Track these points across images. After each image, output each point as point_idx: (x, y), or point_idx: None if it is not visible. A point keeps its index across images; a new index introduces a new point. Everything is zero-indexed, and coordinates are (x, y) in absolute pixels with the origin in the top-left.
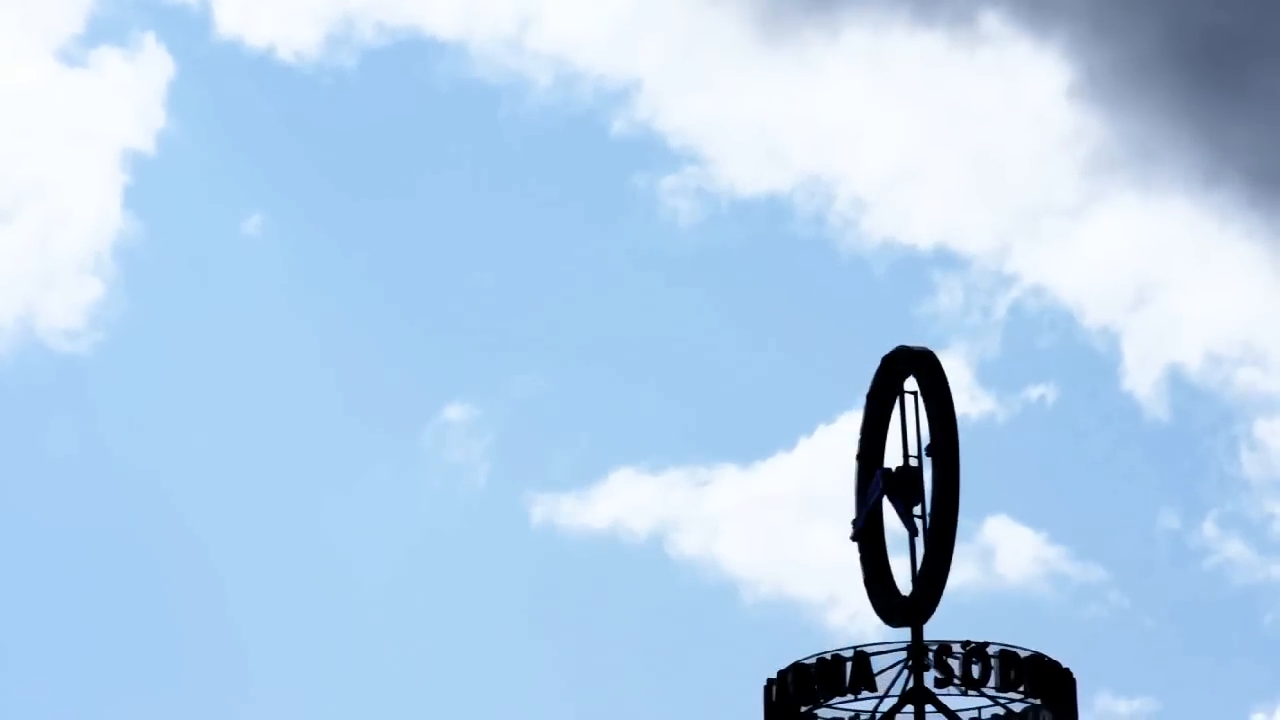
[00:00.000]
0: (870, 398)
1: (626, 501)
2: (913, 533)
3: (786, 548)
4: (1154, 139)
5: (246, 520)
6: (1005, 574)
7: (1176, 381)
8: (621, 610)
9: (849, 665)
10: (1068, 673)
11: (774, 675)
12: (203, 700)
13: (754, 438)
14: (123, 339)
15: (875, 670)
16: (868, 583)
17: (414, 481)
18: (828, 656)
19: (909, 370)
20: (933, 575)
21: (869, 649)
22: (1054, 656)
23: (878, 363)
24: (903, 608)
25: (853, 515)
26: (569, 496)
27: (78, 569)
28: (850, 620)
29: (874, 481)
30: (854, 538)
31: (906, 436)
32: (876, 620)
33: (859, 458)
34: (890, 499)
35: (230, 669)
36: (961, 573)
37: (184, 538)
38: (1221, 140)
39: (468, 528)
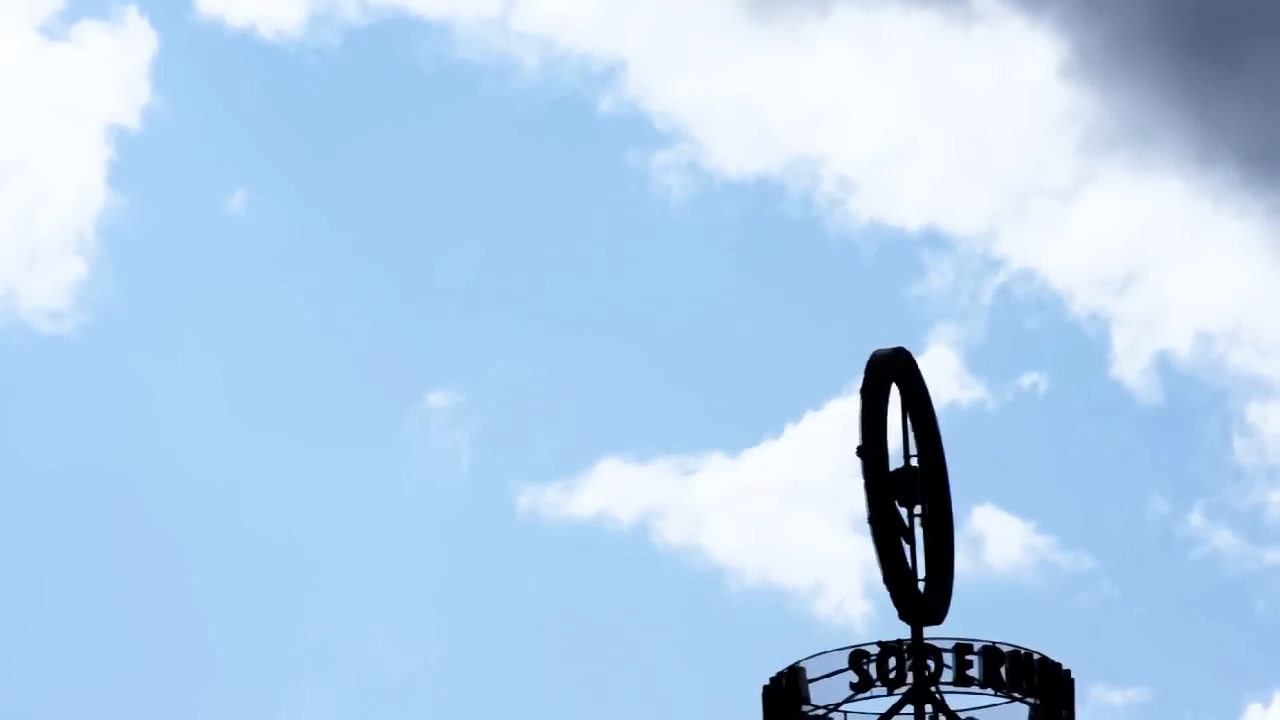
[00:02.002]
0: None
1: (612, 490)
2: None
3: (773, 536)
4: (1147, 117)
5: (226, 507)
6: (994, 563)
7: (1168, 365)
8: (606, 599)
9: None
10: (1068, 675)
11: (774, 675)
12: (182, 688)
13: (741, 425)
14: (109, 319)
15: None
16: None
17: (395, 469)
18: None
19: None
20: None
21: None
22: (1045, 646)
23: (865, 348)
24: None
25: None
26: (554, 486)
27: (61, 555)
28: (836, 609)
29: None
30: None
31: (906, 437)
32: (863, 609)
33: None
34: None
35: (208, 656)
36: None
37: (166, 524)
38: (1215, 118)
39: (451, 517)
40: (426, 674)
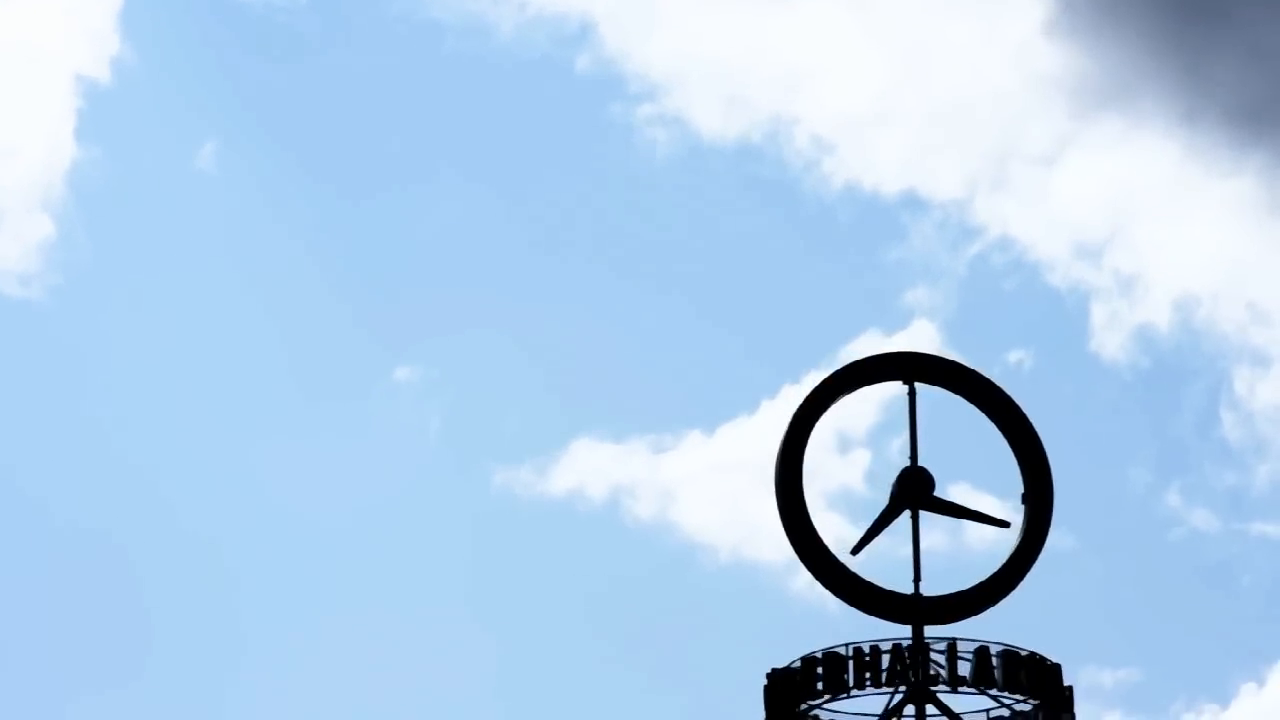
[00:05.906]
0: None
1: (585, 469)
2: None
3: (746, 512)
4: (1134, 74)
5: (197, 482)
6: (972, 543)
7: (1151, 335)
8: (578, 576)
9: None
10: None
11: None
12: (143, 665)
13: (716, 401)
14: (80, 282)
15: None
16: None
17: (361, 444)
18: (819, 654)
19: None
20: None
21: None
22: (1029, 630)
23: (843, 323)
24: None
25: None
26: (526, 467)
27: (33, 525)
28: (810, 586)
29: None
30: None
31: (914, 437)
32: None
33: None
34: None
35: (173, 634)
36: (929, 541)
37: (133, 496)
38: (1203, 73)
39: (420, 495)
40: (399, 655)
